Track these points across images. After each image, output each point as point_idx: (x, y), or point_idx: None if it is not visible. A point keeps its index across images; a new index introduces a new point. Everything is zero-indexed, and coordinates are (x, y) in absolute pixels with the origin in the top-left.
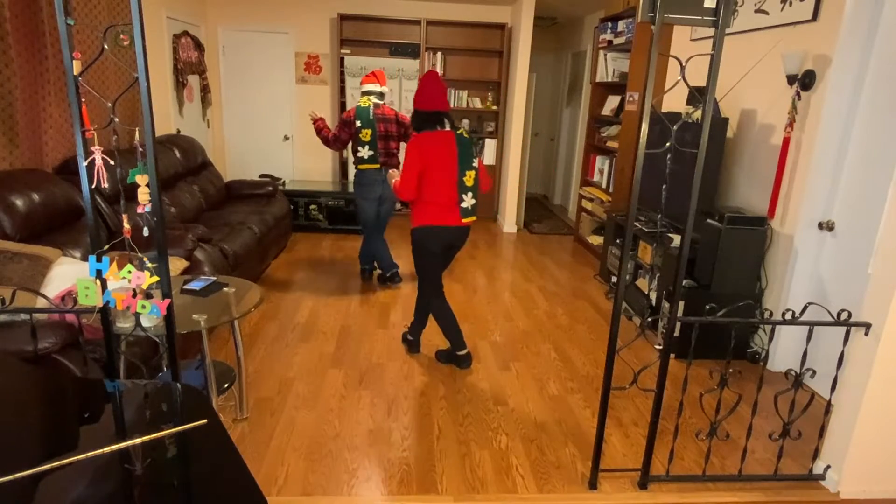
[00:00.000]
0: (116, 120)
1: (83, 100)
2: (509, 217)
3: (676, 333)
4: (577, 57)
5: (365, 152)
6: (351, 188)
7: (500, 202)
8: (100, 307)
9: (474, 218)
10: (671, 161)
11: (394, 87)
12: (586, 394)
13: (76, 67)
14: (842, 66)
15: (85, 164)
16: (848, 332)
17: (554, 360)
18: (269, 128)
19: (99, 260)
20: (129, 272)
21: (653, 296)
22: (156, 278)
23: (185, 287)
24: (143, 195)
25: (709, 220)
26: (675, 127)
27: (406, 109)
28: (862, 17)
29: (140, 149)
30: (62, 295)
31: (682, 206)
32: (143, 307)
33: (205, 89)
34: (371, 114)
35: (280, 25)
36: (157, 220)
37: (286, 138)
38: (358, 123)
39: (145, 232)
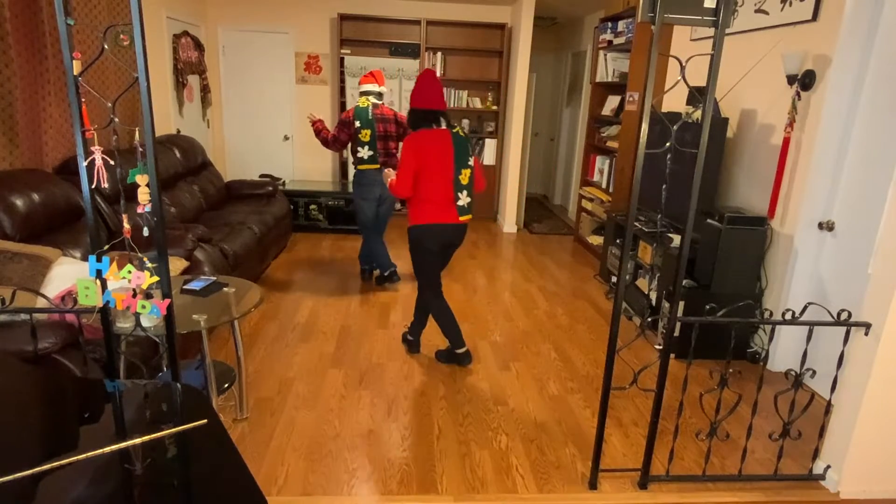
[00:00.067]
0: (116, 120)
1: (83, 100)
2: (509, 217)
3: (676, 333)
4: (577, 57)
5: (364, 153)
6: (351, 188)
7: (500, 202)
8: (100, 307)
9: (471, 216)
10: (671, 161)
11: (394, 88)
12: (586, 394)
13: (76, 67)
14: (842, 66)
15: (85, 164)
16: (848, 332)
17: (554, 360)
18: (269, 128)
19: (99, 260)
20: (129, 272)
21: (653, 296)
22: (156, 278)
23: (185, 287)
24: (143, 195)
25: (709, 220)
26: (675, 127)
27: (406, 109)
28: (862, 17)
29: (140, 149)
30: (62, 295)
31: (682, 206)
32: (143, 307)
33: (205, 89)
34: (370, 114)
35: (280, 25)
36: (157, 220)
37: (286, 138)
38: (357, 124)
39: (145, 232)
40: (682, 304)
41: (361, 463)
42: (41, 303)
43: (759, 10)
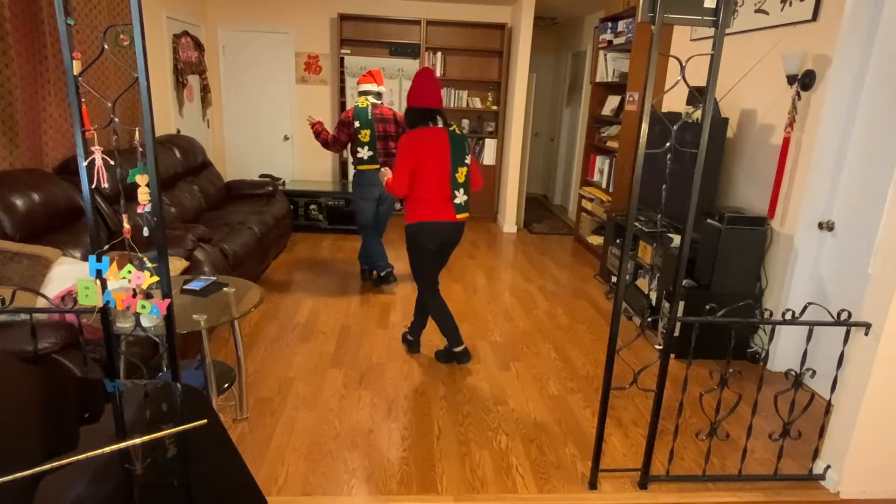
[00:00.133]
0: (116, 120)
1: (83, 100)
2: (509, 217)
3: (676, 333)
4: (577, 57)
5: (364, 153)
6: (350, 188)
7: (500, 202)
8: (100, 307)
9: (468, 214)
10: (671, 161)
11: (394, 88)
12: (586, 394)
13: (76, 67)
14: (842, 66)
15: (85, 164)
16: (848, 332)
17: (554, 360)
18: (269, 128)
19: (99, 260)
20: (129, 272)
21: (653, 296)
22: (156, 278)
23: (185, 287)
24: (143, 195)
25: (709, 220)
26: (675, 127)
27: (405, 109)
28: (862, 17)
29: (140, 149)
30: (62, 295)
31: (682, 206)
32: (143, 307)
33: (205, 89)
34: (369, 114)
35: (280, 25)
36: (157, 220)
37: (286, 138)
38: (356, 124)
39: (145, 232)
40: (682, 304)
41: (361, 463)
42: (41, 303)
43: (759, 10)
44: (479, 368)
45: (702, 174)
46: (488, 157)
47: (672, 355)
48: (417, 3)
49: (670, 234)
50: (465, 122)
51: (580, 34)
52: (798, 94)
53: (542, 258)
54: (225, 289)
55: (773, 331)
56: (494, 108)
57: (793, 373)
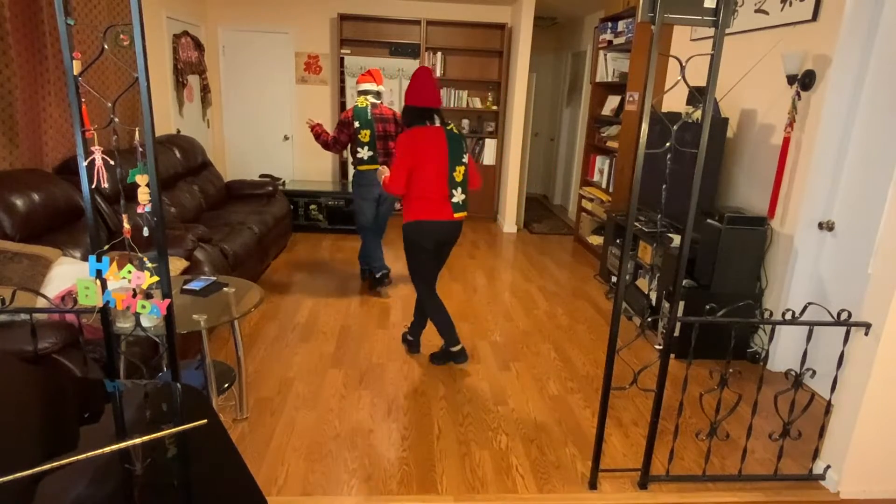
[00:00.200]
0: (116, 120)
1: (83, 100)
2: (509, 217)
3: (676, 333)
4: (577, 57)
5: (364, 153)
6: (350, 188)
7: (500, 202)
8: (100, 307)
9: (465, 213)
10: (671, 161)
11: (394, 88)
12: (586, 394)
13: (76, 67)
14: (842, 66)
15: (85, 164)
16: (848, 332)
17: (554, 360)
18: (269, 128)
19: (99, 260)
20: (129, 272)
21: (653, 296)
22: (156, 278)
23: (185, 287)
24: (143, 195)
25: (709, 220)
26: (675, 127)
27: None
28: (862, 17)
29: (140, 149)
30: (62, 295)
31: (682, 206)
32: (143, 307)
33: (205, 89)
34: (369, 114)
35: (280, 25)
36: (157, 220)
37: (286, 138)
38: (356, 124)
39: (145, 232)
40: (682, 304)
41: (361, 463)
42: (41, 303)
43: (759, 10)
44: (479, 368)
45: (702, 174)
46: (488, 157)
47: (672, 355)
48: (417, 3)
49: (670, 234)
50: (465, 122)
51: (580, 34)
52: (798, 94)
53: (542, 258)
54: (225, 289)
55: (773, 331)
56: (494, 108)
57: (793, 373)
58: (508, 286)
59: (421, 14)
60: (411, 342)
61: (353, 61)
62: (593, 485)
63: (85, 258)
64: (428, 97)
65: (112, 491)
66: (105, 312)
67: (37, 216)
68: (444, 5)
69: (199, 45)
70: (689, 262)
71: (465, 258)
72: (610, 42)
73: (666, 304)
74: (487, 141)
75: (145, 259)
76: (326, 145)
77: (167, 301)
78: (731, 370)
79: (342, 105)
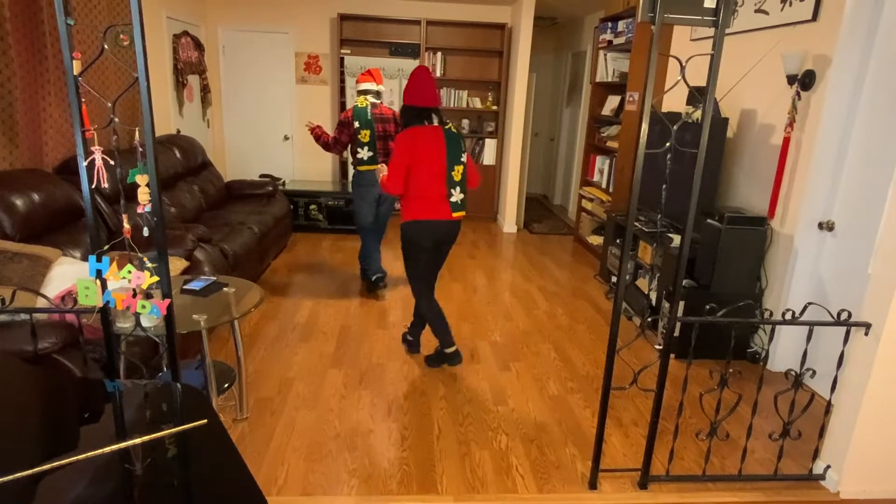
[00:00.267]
0: (116, 120)
1: (83, 100)
2: (509, 217)
3: (676, 333)
4: (577, 57)
5: (364, 153)
6: (350, 188)
7: (500, 202)
8: (100, 307)
9: (464, 212)
10: (671, 161)
11: (394, 88)
12: (586, 394)
13: (76, 67)
14: (842, 66)
15: (85, 164)
16: (848, 332)
17: (554, 360)
18: (269, 128)
19: (99, 260)
20: (129, 272)
21: (653, 296)
22: (156, 278)
23: (185, 287)
24: (143, 195)
25: (709, 220)
26: (675, 127)
27: None
28: (862, 17)
29: (140, 149)
30: (62, 295)
31: (682, 206)
32: (143, 307)
33: (205, 89)
34: (369, 114)
35: (280, 25)
36: (157, 220)
37: (286, 138)
38: (356, 124)
39: (145, 232)
40: (682, 304)
41: (361, 463)
42: (41, 303)
43: (759, 10)
44: (479, 368)
45: (702, 174)
46: (488, 157)
47: (672, 355)
48: (417, 3)
49: (670, 234)
50: (465, 122)
51: (580, 34)
52: (798, 94)
53: (542, 258)
54: (225, 289)
55: (773, 331)
56: (494, 108)
57: (793, 373)
58: (508, 286)
59: (421, 14)
60: (411, 342)
61: (353, 61)
62: (593, 485)
63: (85, 258)
64: (426, 96)
65: (112, 491)
66: (105, 312)
67: (37, 216)
68: (444, 5)
69: (199, 45)
70: (689, 262)
71: (465, 258)
72: (610, 42)
73: (666, 304)
74: (487, 141)
75: (145, 259)
76: (327, 146)
77: (167, 301)
78: (731, 370)
79: (342, 105)
